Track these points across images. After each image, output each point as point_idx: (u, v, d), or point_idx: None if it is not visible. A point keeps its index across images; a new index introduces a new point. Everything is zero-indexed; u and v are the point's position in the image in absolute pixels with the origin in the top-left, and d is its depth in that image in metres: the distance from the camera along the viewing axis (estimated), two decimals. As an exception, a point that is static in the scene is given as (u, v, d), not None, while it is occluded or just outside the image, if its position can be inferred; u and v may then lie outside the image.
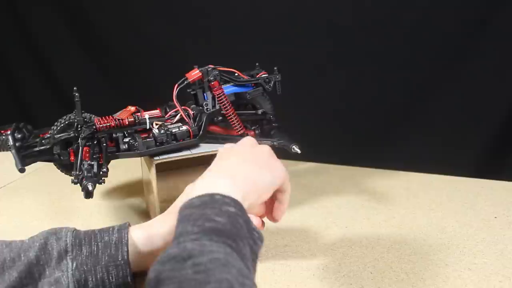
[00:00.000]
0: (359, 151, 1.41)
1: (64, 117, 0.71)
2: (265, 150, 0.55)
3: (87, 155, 0.65)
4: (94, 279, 0.51)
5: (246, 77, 0.77)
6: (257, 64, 0.80)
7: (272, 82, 0.78)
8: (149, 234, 0.54)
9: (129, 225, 0.56)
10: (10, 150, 0.65)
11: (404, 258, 0.65)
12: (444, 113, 1.40)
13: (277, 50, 1.34)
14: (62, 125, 0.70)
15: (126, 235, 0.53)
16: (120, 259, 0.52)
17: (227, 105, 0.73)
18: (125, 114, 0.70)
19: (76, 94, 0.65)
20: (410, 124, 1.45)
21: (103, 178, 0.65)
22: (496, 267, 0.62)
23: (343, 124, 1.49)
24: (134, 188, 0.90)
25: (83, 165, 0.64)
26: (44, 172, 0.98)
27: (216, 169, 0.52)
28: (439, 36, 1.33)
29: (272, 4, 1.42)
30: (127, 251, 0.52)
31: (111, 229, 0.55)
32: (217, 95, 0.73)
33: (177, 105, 0.72)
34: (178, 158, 0.70)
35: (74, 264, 0.51)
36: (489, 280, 0.60)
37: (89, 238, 0.53)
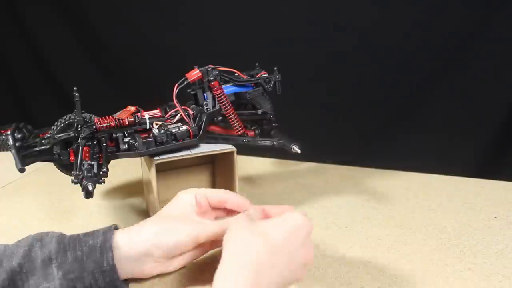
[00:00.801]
0: (359, 151, 1.41)
1: (64, 117, 0.71)
2: (308, 255, 0.50)
3: (87, 155, 0.65)
4: (82, 286, 0.51)
5: (246, 77, 0.77)
6: (257, 64, 0.80)
7: (272, 82, 0.78)
8: (130, 239, 0.54)
9: (116, 227, 0.56)
10: (10, 150, 0.65)
11: (404, 258, 0.65)
12: (444, 113, 1.40)
13: (277, 50, 1.34)
14: (62, 125, 0.70)
15: (110, 239, 0.53)
16: (105, 265, 0.51)
17: (227, 105, 0.73)
18: (125, 114, 0.70)
19: (76, 94, 0.65)
20: (410, 124, 1.45)
21: (103, 178, 0.65)
22: (496, 267, 0.62)
23: (343, 124, 1.49)
24: (134, 188, 0.90)
25: (83, 165, 0.64)
26: (44, 172, 0.98)
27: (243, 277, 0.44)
28: (439, 36, 1.33)
29: (272, 4, 1.42)
30: (112, 256, 0.52)
31: (95, 232, 0.54)
32: (217, 95, 0.73)
33: (177, 105, 0.72)
34: (178, 158, 0.70)
35: (60, 273, 0.50)
36: (489, 280, 0.60)
37: (74, 243, 0.53)
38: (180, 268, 0.59)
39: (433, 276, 0.60)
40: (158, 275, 0.58)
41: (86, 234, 0.54)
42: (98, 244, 0.52)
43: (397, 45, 1.36)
